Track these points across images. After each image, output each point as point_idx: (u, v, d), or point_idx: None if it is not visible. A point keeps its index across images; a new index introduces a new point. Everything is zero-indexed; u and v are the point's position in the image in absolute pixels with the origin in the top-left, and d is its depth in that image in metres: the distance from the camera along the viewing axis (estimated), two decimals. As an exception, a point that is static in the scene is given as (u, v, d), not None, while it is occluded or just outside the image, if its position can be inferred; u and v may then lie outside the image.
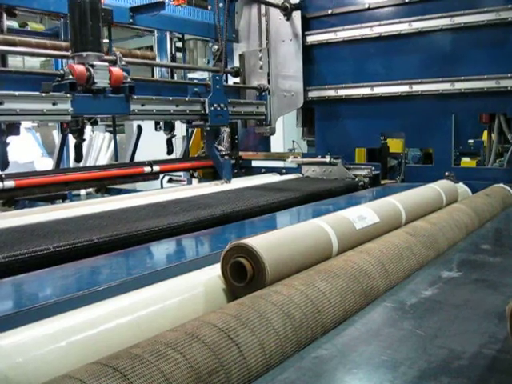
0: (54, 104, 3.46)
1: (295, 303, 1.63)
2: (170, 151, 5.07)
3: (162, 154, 5.20)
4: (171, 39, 5.79)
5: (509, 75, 4.28)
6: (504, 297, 1.93)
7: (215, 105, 4.57)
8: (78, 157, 4.27)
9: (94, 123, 4.35)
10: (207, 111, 4.54)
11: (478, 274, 2.26)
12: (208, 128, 4.76)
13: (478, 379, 1.34)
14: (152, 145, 5.12)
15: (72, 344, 1.38)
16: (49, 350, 1.34)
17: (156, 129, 4.98)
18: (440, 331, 1.64)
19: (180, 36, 5.72)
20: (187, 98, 4.53)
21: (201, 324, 1.41)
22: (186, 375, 1.23)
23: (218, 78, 4.66)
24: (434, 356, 1.47)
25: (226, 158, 4.95)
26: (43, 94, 3.42)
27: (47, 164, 9.08)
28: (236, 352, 1.36)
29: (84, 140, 4.07)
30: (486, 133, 5.74)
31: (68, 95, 3.50)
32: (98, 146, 11.31)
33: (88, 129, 4.19)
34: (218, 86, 4.62)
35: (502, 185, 4.18)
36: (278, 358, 1.47)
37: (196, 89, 4.76)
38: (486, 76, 4.39)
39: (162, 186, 5.45)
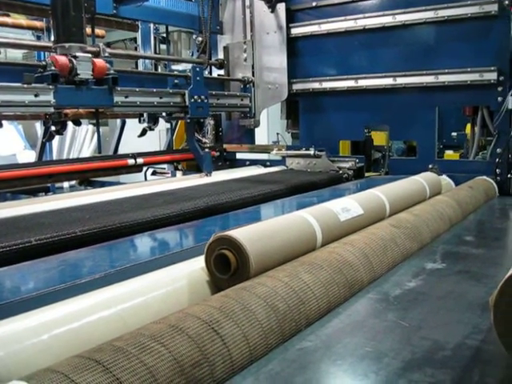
0: (36, 96, 3.40)
1: (279, 295, 1.62)
2: (140, 135, 5.03)
3: (146, 147, 5.17)
4: (155, 38, 5.78)
5: (492, 68, 4.30)
6: (487, 288, 1.94)
7: (195, 97, 4.53)
8: (49, 137, 4.24)
9: (77, 123, 4.31)
10: (187, 103, 4.52)
11: (461, 266, 2.27)
12: (188, 120, 4.73)
13: (461, 370, 1.35)
14: (135, 137, 5.08)
15: (54, 337, 1.37)
16: (31, 343, 1.33)
17: (140, 121, 4.94)
18: (424, 322, 1.65)
19: (164, 35, 5.69)
20: (171, 91, 4.50)
21: (184, 316, 1.41)
22: (169, 368, 1.22)
23: (198, 69, 4.62)
24: (418, 347, 1.47)
25: (207, 150, 4.92)
26: (25, 86, 3.37)
27: (30, 156, 9.02)
28: (220, 344, 1.35)
29: (61, 134, 4.03)
30: (469, 126, 5.78)
31: (50, 87, 3.46)
32: (82, 139, 11.22)
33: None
34: (198, 78, 4.57)
35: (484, 177, 4.21)
36: (263, 350, 1.46)
37: (176, 80, 4.72)
38: (469, 69, 4.40)
39: (145, 179, 5.42)
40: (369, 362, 1.40)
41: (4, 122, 3.66)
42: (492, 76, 4.31)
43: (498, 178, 4.30)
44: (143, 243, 2.68)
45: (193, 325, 1.36)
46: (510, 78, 4.21)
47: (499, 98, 4.27)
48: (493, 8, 4.26)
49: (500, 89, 4.27)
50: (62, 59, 3.47)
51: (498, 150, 4.34)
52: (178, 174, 5.47)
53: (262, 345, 1.46)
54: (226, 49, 5.65)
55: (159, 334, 1.30)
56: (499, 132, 4.33)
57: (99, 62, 3.68)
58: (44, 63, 3.48)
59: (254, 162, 5.64)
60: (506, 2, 4.19)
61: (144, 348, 1.23)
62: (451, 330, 1.59)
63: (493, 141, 4.41)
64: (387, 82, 4.85)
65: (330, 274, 1.86)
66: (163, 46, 6.42)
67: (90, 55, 3.65)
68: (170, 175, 5.47)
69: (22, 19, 4.96)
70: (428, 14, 4.56)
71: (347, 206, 2.55)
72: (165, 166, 5.70)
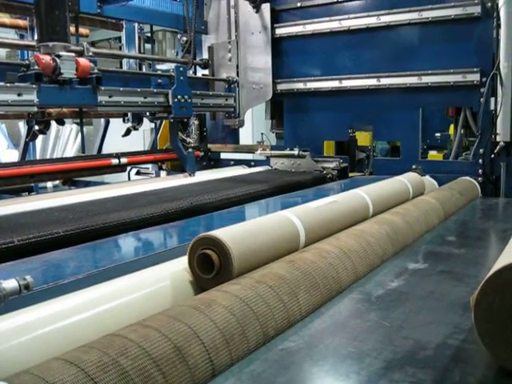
0: (19, 95, 3.38)
1: (261, 296, 1.62)
2: (124, 135, 5.01)
3: (130, 147, 5.14)
4: (140, 37, 5.77)
5: (475, 69, 4.33)
6: (468, 288, 1.95)
7: (179, 96, 4.52)
8: (32, 136, 4.22)
9: (60, 123, 4.29)
10: (171, 103, 4.50)
11: (443, 266, 2.28)
12: (172, 120, 4.72)
13: (442, 369, 1.36)
14: (120, 137, 5.05)
15: (34, 339, 1.36)
16: (10, 345, 1.32)
17: (124, 121, 4.92)
18: (406, 322, 1.66)
19: (148, 35, 5.68)
20: (155, 90, 4.48)
21: (165, 318, 1.40)
22: (148, 369, 1.21)
23: (181, 69, 4.61)
24: (400, 347, 1.48)
25: (190, 150, 4.91)
26: (8, 85, 3.35)
27: (13, 156, 8.94)
28: (200, 346, 1.35)
29: (45, 133, 4.01)
30: (452, 126, 5.82)
31: (33, 86, 3.43)
32: (65, 138, 11.15)
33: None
34: (181, 78, 4.56)
35: (467, 177, 4.24)
36: (245, 351, 1.46)
37: (159, 80, 4.71)
38: (452, 70, 4.44)
39: (129, 179, 5.40)
40: (351, 362, 1.40)
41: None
42: (475, 77, 4.35)
43: (481, 178, 4.33)
44: (127, 243, 2.67)
45: (173, 326, 1.36)
46: (492, 79, 4.24)
47: (482, 99, 4.31)
48: (476, 10, 4.30)
49: (482, 90, 4.30)
50: (46, 58, 3.45)
51: (481, 151, 4.37)
52: (162, 173, 5.46)
53: (243, 346, 1.46)
54: (210, 49, 5.65)
55: (139, 335, 1.29)
56: (482, 133, 4.36)
57: (83, 61, 3.66)
58: (27, 62, 3.46)
59: (238, 162, 5.65)
60: (489, 4, 4.22)
61: (124, 350, 1.23)
62: (433, 330, 1.60)
63: (476, 141, 4.44)
64: (371, 82, 4.87)
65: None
66: (148, 46, 6.40)
67: (73, 54, 3.63)
68: (154, 175, 5.45)
69: (5, 18, 4.93)
70: (412, 16, 4.59)
71: (331, 206, 2.55)
72: (149, 165, 5.68)
